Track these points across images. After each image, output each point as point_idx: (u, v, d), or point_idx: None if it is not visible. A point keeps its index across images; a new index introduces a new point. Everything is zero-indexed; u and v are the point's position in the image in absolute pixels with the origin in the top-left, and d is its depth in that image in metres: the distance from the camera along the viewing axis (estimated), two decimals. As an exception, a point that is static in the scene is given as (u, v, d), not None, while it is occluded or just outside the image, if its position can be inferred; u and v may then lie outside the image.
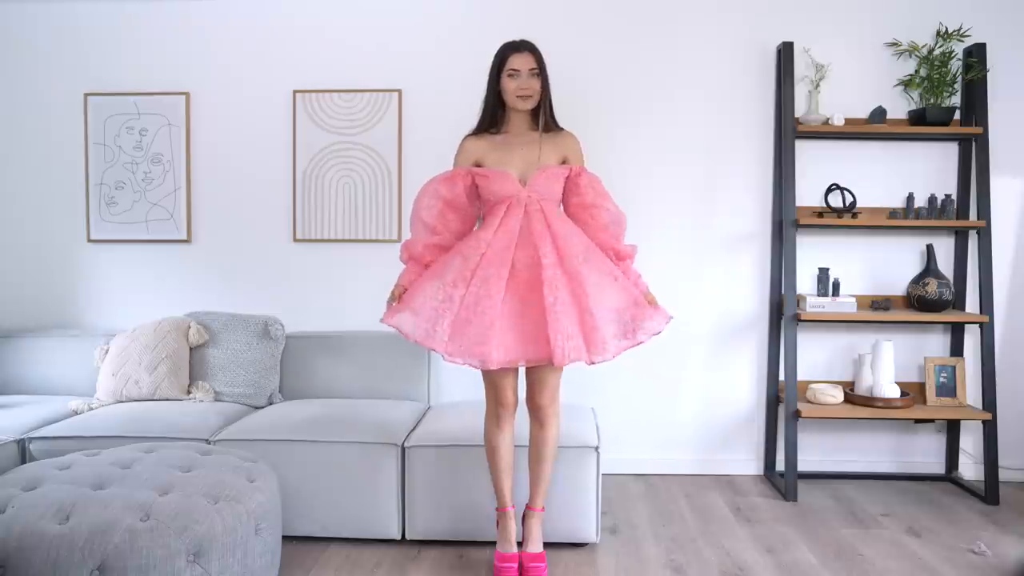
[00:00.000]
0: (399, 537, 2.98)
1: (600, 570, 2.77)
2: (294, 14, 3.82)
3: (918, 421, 3.72)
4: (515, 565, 2.64)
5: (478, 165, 2.68)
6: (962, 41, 3.63)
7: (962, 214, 3.70)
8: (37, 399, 3.47)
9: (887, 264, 3.77)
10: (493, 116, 2.69)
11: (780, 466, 3.71)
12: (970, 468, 3.77)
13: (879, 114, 3.60)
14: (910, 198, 3.67)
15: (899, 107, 3.71)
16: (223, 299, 3.84)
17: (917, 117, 3.61)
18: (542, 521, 2.73)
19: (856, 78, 3.72)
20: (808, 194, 3.73)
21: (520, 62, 2.60)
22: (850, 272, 3.75)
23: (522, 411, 2.73)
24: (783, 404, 3.59)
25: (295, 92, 3.81)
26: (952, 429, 3.77)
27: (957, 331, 3.75)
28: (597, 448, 2.93)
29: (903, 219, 3.63)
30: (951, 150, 3.75)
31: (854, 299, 3.58)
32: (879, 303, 3.66)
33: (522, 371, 2.68)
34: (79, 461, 2.46)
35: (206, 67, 3.85)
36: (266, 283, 3.87)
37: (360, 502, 2.95)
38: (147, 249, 3.90)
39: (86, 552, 1.99)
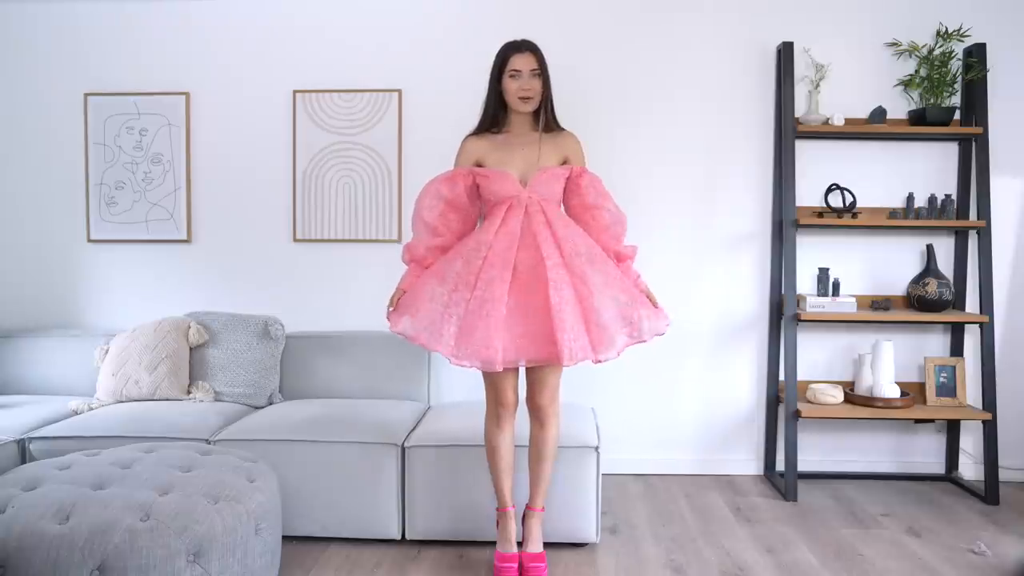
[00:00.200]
0: (399, 537, 2.98)
1: (600, 570, 2.77)
2: (294, 14, 3.82)
3: (918, 421, 3.72)
4: (515, 565, 2.64)
5: (479, 165, 2.68)
6: (962, 41, 3.63)
7: (962, 214, 3.70)
8: (37, 399, 3.47)
9: (887, 264, 3.77)
10: (494, 116, 2.69)
11: (780, 466, 3.71)
12: (970, 468, 3.77)
13: (879, 114, 3.60)
14: (910, 198, 3.67)
15: (899, 107, 3.71)
16: (223, 299, 3.84)
17: (917, 117, 3.61)
18: (542, 521, 2.73)
19: (856, 78, 3.72)
20: (808, 194, 3.73)
21: (521, 62, 2.60)
22: (850, 272, 3.75)
23: (522, 411, 2.73)
24: (783, 404, 3.59)
25: (295, 92, 3.81)
26: (952, 429, 3.77)
27: (957, 331, 3.75)
28: (597, 448, 2.93)
29: (903, 219, 3.63)
30: (951, 150, 3.75)
31: (854, 299, 3.58)
32: (879, 303, 3.66)
33: (522, 371, 2.68)
34: (79, 461, 2.46)
35: (206, 67, 3.85)
36: (266, 283, 3.87)
37: (360, 502, 2.95)
38: (147, 249, 3.90)
39: (86, 552, 1.99)
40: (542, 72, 2.62)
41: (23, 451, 3.01)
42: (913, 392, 3.67)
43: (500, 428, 2.69)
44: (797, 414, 3.49)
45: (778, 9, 3.73)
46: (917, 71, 3.67)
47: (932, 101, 3.62)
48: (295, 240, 3.86)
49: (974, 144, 3.64)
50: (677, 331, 3.59)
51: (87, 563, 1.98)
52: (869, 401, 3.51)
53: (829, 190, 3.64)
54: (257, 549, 2.29)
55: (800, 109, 3.71)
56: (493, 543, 2.79)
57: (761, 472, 3.84)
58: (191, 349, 3.50)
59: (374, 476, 2.94)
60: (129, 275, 3.91)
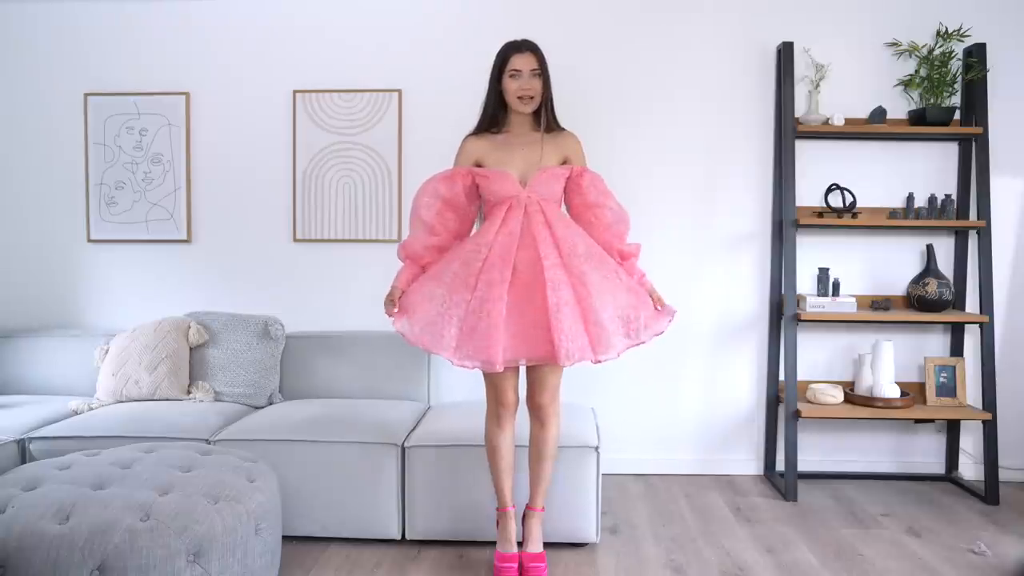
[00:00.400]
0: (399, 537, 2.98)
1: (600, 570, 2.77)
2: (294, 14, 3.82)
3: (918, 421, 3.72)
4: (515, 565, 2.64)
5: (479, 165, 2.68)
6: (962, 41, 3.63)
7: (962, 214, 3.70)
8: (37, 399, 3.47)
9: (887, 264, 3.77)
10: (494, 116, 2.69)
11: (780, 466, 3.71)
12: (970, 468, 3.77)
13: (879, 114, 3.60)
14: (910, 198, 3.67)
15: (899, 107, 3.71)
16: (223, 299, 3.84)
17: (917, 117, 3.61)
18: (542, 521, 2.73)
19: (856, 78, 3.72)
20: (808, 194, 3.73)
21: (522, 62, 2.60)
22: (850, 272, 3.75)
23: (522, 411, 2.73)
24: (783, 404, 3.59)
25: (295, 92, 3.81)
26: (952, 429, 3.77)
27: (957, 331, 3.75)
28: (597, 448, 2.92)
29: (903, 219, 3.63)
30: (951, 150, 3.75)
31: (854, 299, 3.58)
32: (879, 303, 3.66)
33: (523, 371, 2.68)
34: (79, 461, 2.46)
35: (206, 67, 3.85)
36: (266, 283, 3.87)
37: (360, 502, 2.94)
38: (147, 249, 3.90)
39: (86, 552, 1.99)
40: (542, 72, 2.62)
41: (23, 451, 3.01)
42: (913, 392, 3.67)
43: (500, 428, 2.69)
44: (797, 414, 3.49)
45: (778, 9, 3.73)
46: (917, 71, 3.67)
47: (932, 101, 3.62)
48: (295, 240, 3.86)
49: (974, 144, 3.64)
50: (677, 331, 3.59)
51: (87, 563, 1.98)
52: (869, 401, 3.51)
53: (829, 190, 3.64)
54: (257, 549, 2.29)
55: (800, 109, 3.71)
56: (493, 543, 2.79)
57: (761, 472, 3.84)
58: (191, 349, 3.50)
59: (374, 476, 2.94)
60: (129, 275, 3.91)
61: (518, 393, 2.68)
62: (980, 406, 3.60)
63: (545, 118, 2.67)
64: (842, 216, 3.61)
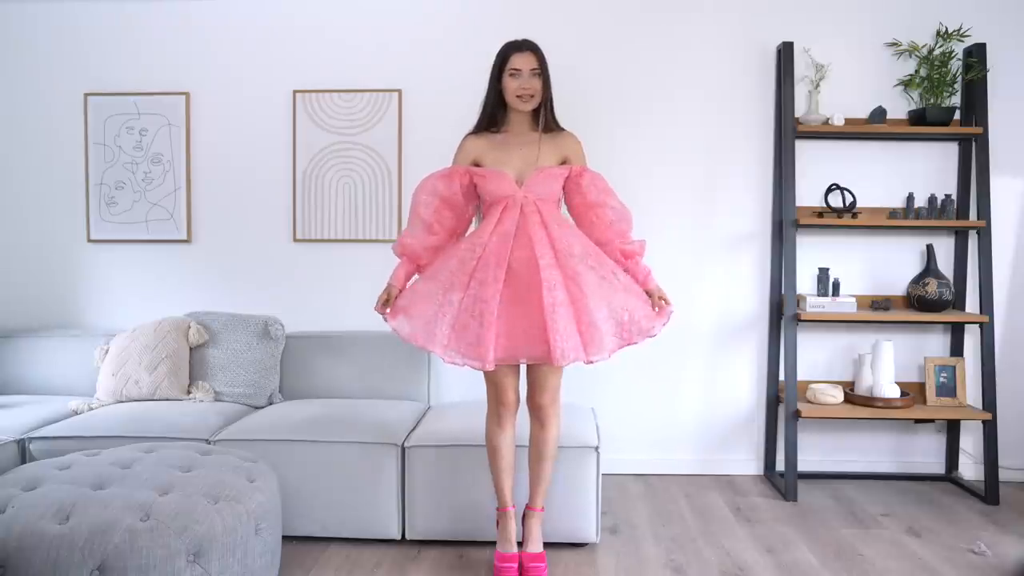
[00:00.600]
0: (399, 537, 2.98)
1: (600, 570, 2.77)
2: (294, 14, 3.82)
3: (918, 421, 3.72)
4: (515, 565, 2.64)
5: (477, 164, 2.68)
6: (962, 41, 3.63)
7: (962, 214, 3.70)
8: (37, 399, 3.47)
9: (887, 264, 3.77)
10: (493, 116, 2.69)
11: (780, 466, 3.71)
12: (970, 468, 3.77)
13: (879, 114, 3.60)
14: (910, 198, 3.67)
15: (899, 107, 3.71)
16: (223, 299, 3.84)
17: (917, 117, 3.61)
18: (542, 521, 2.73)
19: (856, 78, 3.72)
20: (808, 194, 3.73)
21: (521, 62, 2.60)
22: (850, 272, 3.75)
23: (523, 411, 2.73)
24: (783, 404, 3.59)
25: (295, 92, 3.81)
26: (952, 429, 3.77)
27: (957, 331, 3.75)
28: (597, 448, 2.92)
29: (903, 219, 3.63)
30: (951, 150, 3.75)
31: (854, 299, 3.58)
32: (879, 303, 3.66)
33: (523, 371, 2.68)
34: (79, 461, 2.46)
35: (206, 67, 3.85)
36: (266, 283, 3.87)
37: (360, 502, 2.94)
38: (147, 249, 3.90)
39: (86, 552, 1.99)
40: (542, 72, 2.62)
41: (23, 451, 3.01)
42: (913, 392, 3.67)
43: (501, 428, 2.69)
44: (797, 414, 3.49)
45: (778, 9, 3.73)
46: (917, 71, 3.67)
47: (932, 101, 3.62)
48: (295, 240, 3.86)
49: (974, 144, 3.64)
50: (677, 331, 3.60)
51: (87, 563, 1.98)
52: (869, 401, 3.51)
53: (829, 190, 3.64)
54: (257, 549, 2.29)
55: (800, 109, 3.71)
56: (493, 543, 2.79)
57: (761, 472, 3.84)
58: (191, 349, 3.50)
59: (374, 476, 2.94)
60: (129, 275, 3.91)
61: (518, 393, 2.68)
62: (980, 406, 3.60)
63: (544, 118, 2.67)
64: (842, 216, 3.61)
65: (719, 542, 3.01)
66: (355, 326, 3.76)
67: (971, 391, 3.71)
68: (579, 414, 3.21)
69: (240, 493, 2.29)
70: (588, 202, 2.67)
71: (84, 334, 3.70)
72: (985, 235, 3.56)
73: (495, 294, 2.48)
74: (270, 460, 2.87)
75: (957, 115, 3.66)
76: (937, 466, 3.81)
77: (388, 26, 3.79)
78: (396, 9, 3.79)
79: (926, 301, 3.56)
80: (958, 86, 3.67)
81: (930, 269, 3.61)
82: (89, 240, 3.90)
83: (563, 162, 2.69)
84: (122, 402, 3.38)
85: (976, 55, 3.59)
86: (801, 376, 3.75)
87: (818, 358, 3.81)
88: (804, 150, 3.72)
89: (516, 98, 2.61)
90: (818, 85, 3.65)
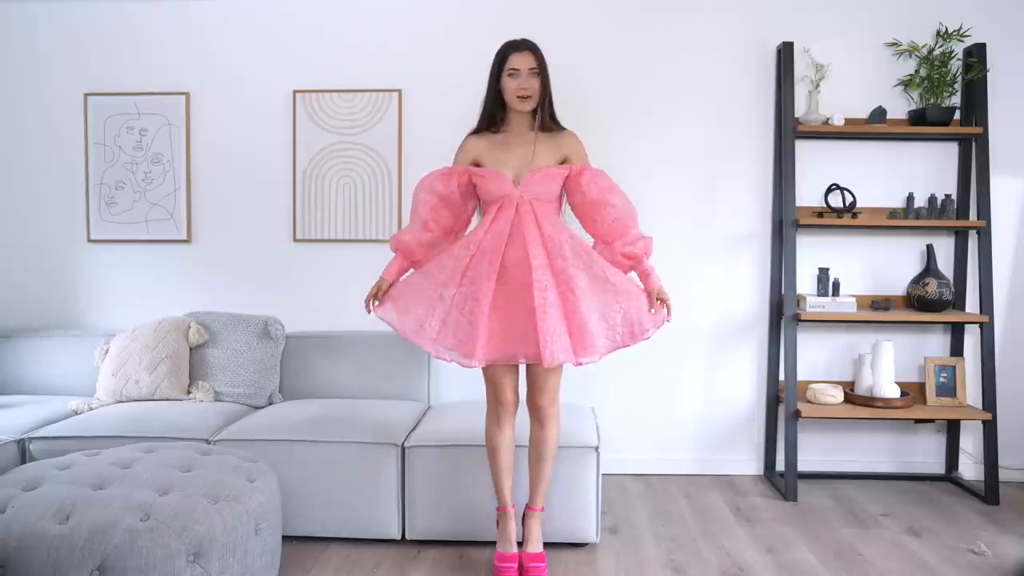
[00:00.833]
0: (399, 537, 2.98)
1: (600, 570, 2.77)
2: (294, 14, 3.82)
3: (918, 421, 3.72)
4: (515, 565, 2.64)
5: (477, 164, 2.68)
6: (962, 41, 3.63)
7: (962, 214, 3.70)
8: (37, 399, 3.47)
9: (887, 264, 3.77)
10: (492, 115, 2.69)
11: (780, 466, 3.71)
12: (970, 468, 3.77)
13: (879, 114, 3.60)
14: (910, 198, 3.67)
15: (899, 107, 3.71)
16: (223, 299, 3.84)
17: (917, 117, 3.61)
18: (542, 521, 2.73)
19: (856, 78, 3.71)
20: (808, 194, 3.73)
21: (520, 61, 2.59)
22: (850, 272, 3.75)
23: (522, 411, 2.73)
24: (783, 404, 3.59)
25: (295, 92, 3.81)
26: (952, 429, 3.77)
27: (957, 331, 3.75)
28: (597, 448, 2.92)
29: (903, 219, 3.63)
30: (951, 150, 3.75)
31: (854, 299, 3.58)
32: (879, 303, 3.66)
33: (523, 371, 2.68)
34: (79, 461, 2.46)
35: (206, 67, 3.85)
36: (266, 283, 3.87)
37: (360, 502, 2.94)
38: (147, 249, 3.90)
39: (86, 552, 1.99)
40: (541, 71, 2.62)
41: (23, 451, 3.01)
42: (913, 392, 3.66)
43: (500, 428, 2.69)
44: (797, 414, 3.49)
45: (778, 9, 3.73)
46: (917, 71, 3.67)
47: (932, 101, 3.62)
48: (295, 240, 3.86)
49: (974, 144, 3.64)
50: (677, 331, 3.60)
51: (87, 563, 1.98)
52: (869, 401, 3.51)
53: (829, 190, 3.64)
54: (257, 549, 2.29)
55: (800, 109, 3.71)
56: (493, 543, 2.79)
57: (761, 472, 3.84)
58: (191, 349, 3.50)
59: (374, 476, 2.94)
60: (129, 275, 3.91)
61: (518, 393, 2.69)
62: (980, 406, 3.60)
63: (540, 117, 2.66)
64: (842, 216, 3.61)
65: (719, 542, 3.01)
66: (355, 326, 3.76)
67: (971, 391, 3.71)
68: (579, 414, 3.21)
69: (240, 493, 2.29)
70: (589, 200, 2.66)
71: (84, 334, 3.70)
72: (985, 235, 3.56)
73: (487, 292, 2.49)
74: (270, 460, 2.87)
75: (957, 115, 3.66)
76: (937, 466, 3.81)
77: (388, 26, 3.79)
78: (396, 9, 3.79)
79: (926, 301, 3.56)
80: (958, 86, 3.67)
81: (930, 269, 3.61)
82: (89, 240, 3.90)
83: (563, 161, 2.69)
84: (122, 402, 3.38)
85: (976, 55, 3.59)
86: (801, 376, 3.75)
87: (818, 358, 3.81)
88: (804, 150, 3.72)
89: (515, 98, 2.61)
90: (818, 85, 3.65)
